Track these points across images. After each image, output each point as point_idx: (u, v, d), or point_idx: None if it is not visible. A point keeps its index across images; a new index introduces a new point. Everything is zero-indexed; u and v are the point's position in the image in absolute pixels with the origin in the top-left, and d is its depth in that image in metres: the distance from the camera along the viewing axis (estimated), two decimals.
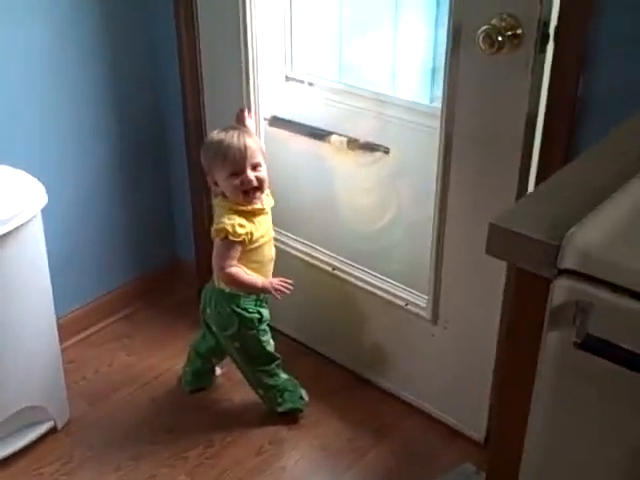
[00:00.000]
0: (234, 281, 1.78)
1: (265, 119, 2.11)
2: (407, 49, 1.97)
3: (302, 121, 2.06)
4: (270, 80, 2.10)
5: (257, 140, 1.81)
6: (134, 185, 2.33)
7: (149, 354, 2.27)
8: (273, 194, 1.88)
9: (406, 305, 1.96)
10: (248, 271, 1.79)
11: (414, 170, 1.91)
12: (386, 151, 1.95)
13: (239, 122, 1.94)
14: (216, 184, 1.79)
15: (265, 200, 1.83)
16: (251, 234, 1.76)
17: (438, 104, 1.72)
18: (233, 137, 1.76)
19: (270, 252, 1.87)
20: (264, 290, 1.79)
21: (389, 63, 2.01)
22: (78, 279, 2.26)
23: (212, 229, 1.77)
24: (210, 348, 2.01)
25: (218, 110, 2.14)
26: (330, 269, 2.11)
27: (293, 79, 2.13)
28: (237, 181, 1.75)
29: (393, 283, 1.99)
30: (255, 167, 1.77)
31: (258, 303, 1.87)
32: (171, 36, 2.13)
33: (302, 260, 2.15)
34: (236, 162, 1.75)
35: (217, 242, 1.77)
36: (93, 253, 2.29)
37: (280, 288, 1.79)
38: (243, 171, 1.75)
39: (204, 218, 2.29)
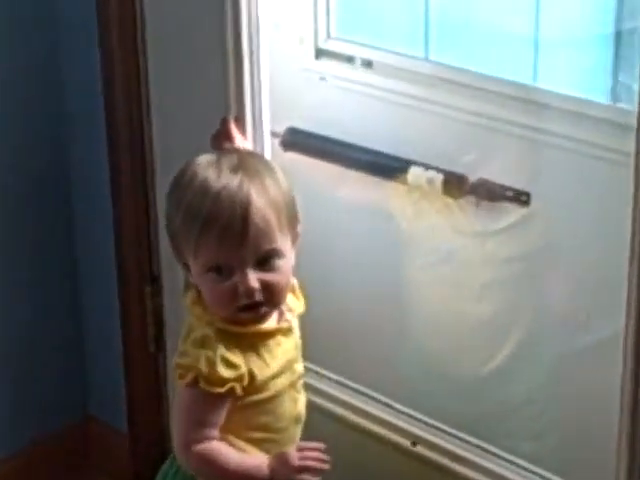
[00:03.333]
0: (208, 467, 1.64)
1: (275, 135, 1.95)
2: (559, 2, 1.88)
3: (348, 139, 1.97)
4: (284, 57, 2.03)
5: (283, 191, 1.63)
6: (4, 275, 2.20)
7: None
8: (302, 288, 1.75)
9: None
10: (242, 445, 1.65)
11: (578, 238, 1.82)
12: (522, 199, 1.81)
13: (220, 142, 1.78)
14: (187, 266, 1.65)
15: (287, 307, 1.70)
16: (251, 376, 1.60)
17: (630, 104, 1.69)
18: (229, 184, 1.59)
19: (294, 406, 1.70)
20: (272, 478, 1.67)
21: (524, 26, 1.88)
22: None
23: (173, 361, 1.65)
24: None
25: (177, 120, 2.00)
26: (408, 443, 1.95)
27: (331, 54, 2.04)
28: (224, 285, 1.58)
29: (533, 470, 1.86)
30: (266, 260, 1.58)
31: None
32: None
33: (350, 425, 2.02)
34: (225, 246, 1.57)
35: (181, 390, 1.63)
36: None
37: (307, 465, 1.63)
38: (239, 268, 1.57)
39: (146, 336, 2.13)
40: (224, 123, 1.79)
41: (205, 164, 1.63)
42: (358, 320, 2.03)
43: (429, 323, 1.98)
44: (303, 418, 1.73)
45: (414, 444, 1.92)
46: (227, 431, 1.64)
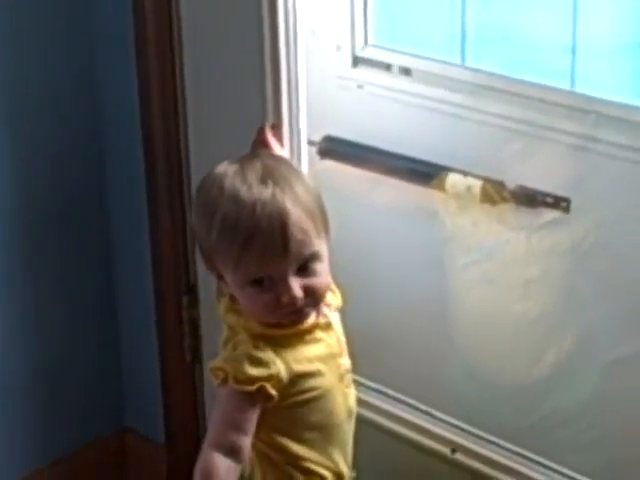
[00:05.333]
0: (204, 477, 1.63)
1: (312, 143, 1.96)
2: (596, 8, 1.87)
3: (386, 146, 1.97)
4: (321, 65, 2.02)
5: (313, 194, 1.64)
6: (40, 287, 2.19)
7: None
8: (339, 286, 1.76)
9: None
10: (298, 448, 1.65)
11: (627, 248, 1.78)
12: (563, 206, 1.81)
13: (256, 147, 1.82)
14: (220, 277, 1.66)
15: (325, 302, 1.69)
16: (291, 373, 1.60)
17: None
18: (262, 197, 1.59)
19: (345, 401, 1.71)
20: None
21: (561, 32, 1.88)
22: None
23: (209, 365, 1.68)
24: None
25: (214, 130, 2.00)
26: (447, 451, 1.97)
27: (368, 62, 2.03)
28: (267, 296, 1.59)
29: None
30: (306, 265, 1.59)
31: None
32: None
33: (386, 431, 2.01)
34: (266, 260, 1.58)
35: (218, 390, 1.65)
36: None
37: None
38: (281, 278, 1.58)
39: (183, 347, 2.14)
40: (261, 132, 1.81)
41: (231, 174, 1.63)
42: (397, 326, 2.02)
43: (470, 327, 1.98)
44: (355, 412, 1.72)
45: (453, 451, 1.94)
46: (283, 434, 1.64)
